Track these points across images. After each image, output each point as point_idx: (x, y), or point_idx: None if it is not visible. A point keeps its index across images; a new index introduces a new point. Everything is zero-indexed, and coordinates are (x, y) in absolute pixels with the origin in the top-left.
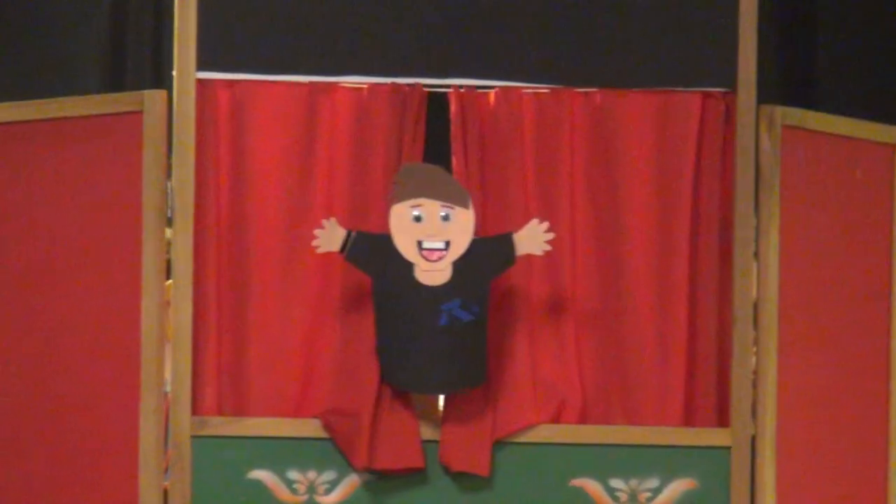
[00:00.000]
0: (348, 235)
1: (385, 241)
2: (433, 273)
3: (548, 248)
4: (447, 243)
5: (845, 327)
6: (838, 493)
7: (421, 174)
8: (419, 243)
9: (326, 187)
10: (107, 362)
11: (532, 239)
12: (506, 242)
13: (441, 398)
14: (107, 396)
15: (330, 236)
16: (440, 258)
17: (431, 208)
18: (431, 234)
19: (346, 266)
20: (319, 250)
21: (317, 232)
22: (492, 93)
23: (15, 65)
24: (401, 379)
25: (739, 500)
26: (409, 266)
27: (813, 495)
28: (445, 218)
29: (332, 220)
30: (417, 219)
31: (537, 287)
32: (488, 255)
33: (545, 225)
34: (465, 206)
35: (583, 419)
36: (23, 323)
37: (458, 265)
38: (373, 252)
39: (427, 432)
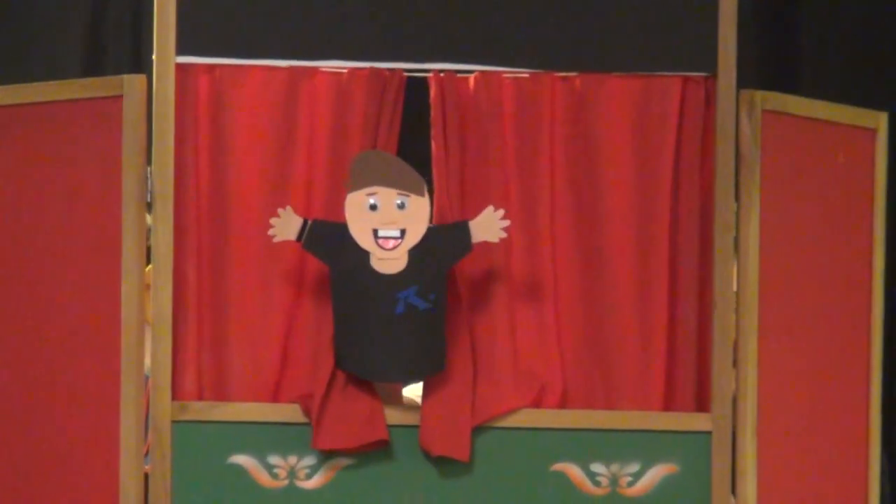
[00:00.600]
0: (304, 224)
1: (342, 229)
2: (389, 261)
3: (503, 234)
4: (402, 231)
5: (826, 311)
6: (819, 476)
7: (376, 162)
8: (375, 232)
9: (306, 172)
10: (87, 347)
11: (488, 226)
12: (462, 230)
13: (413, 385)
14: (87, 381)
15: (286, 225)
16: (395, 246)
17: (387, 196)
18: (387, 223)
19: None
20: (276, 239)
21: (272, 221)
22: (471, 77)
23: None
24: (356, 367)
25: (720, 485)
26: (365, 254)
27: (794, 479)
28: (401, 206)
29: (288, 208)
30: (373, 207)
31: (518, 271)
32: (444, 243)
33: (501, 212)
34: (421, 193)
35: (563, 404)
36: (2, 308)
37: (414, 253)
38: (329, 240)
39: (392, 416)
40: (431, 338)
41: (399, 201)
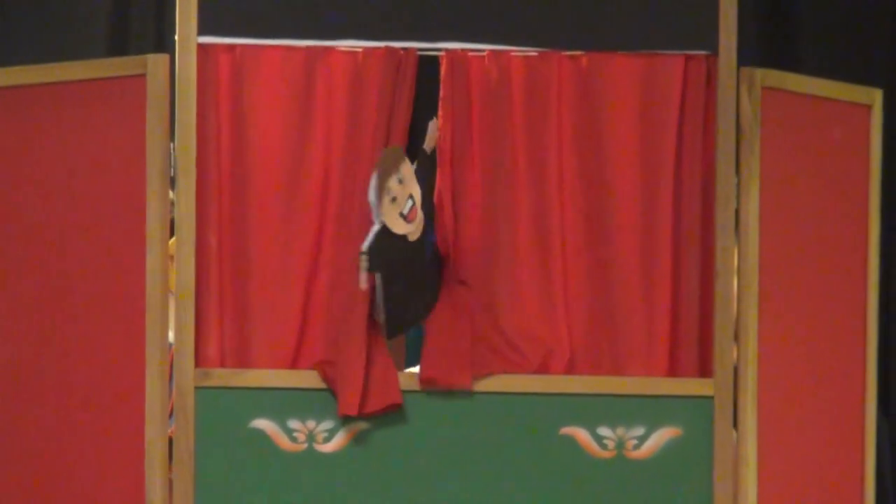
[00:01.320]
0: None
1: (386, 238)
2: (417, 228)
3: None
4: (411, 197)
5: (824, 280)
6: (818, 439)
7: (382, 170)
8: (401, 215)
9: (324, 147)
10: (114, 316)
11: (432, 136)
12: (427, 157)
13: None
14: (114, 348)
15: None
16: (416, 213)
17: (393, 185)
18: (402, 202)
19: (338, 220)
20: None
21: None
22: (482, 56)
23: (20, 29)
24: (406, 320)
25: (722, 448)
26: (403, 237)
27: (794, 442)
28: (400, 181)
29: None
30: (393, 200)
31: (525, 239)
32: (427, 178)
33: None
34: (403, 160)
35: (570, 370)
36: (34, 279)
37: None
38: (386, 254)
39: (403, 383)
40: (440, 263)
41: (397, 178)
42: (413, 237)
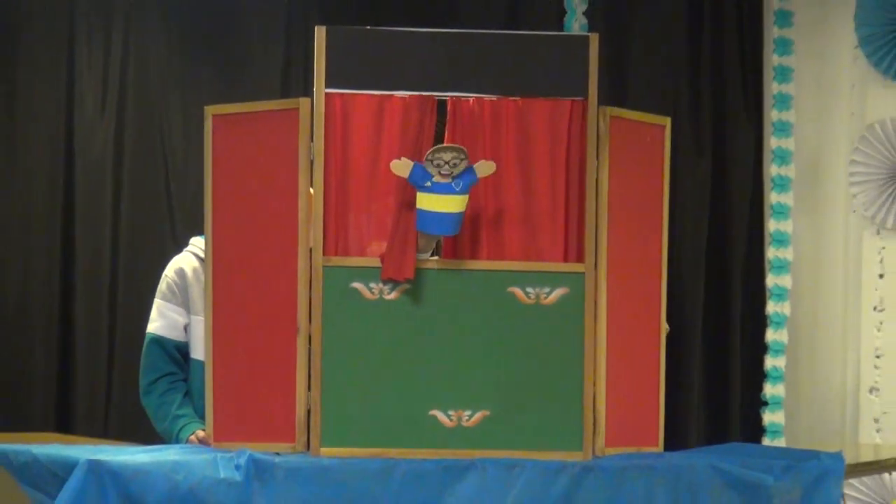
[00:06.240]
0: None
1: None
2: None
3: None
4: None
5: (641, 246)
6: (636, 308)
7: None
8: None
9: (385, 160)
10: (280, 272)
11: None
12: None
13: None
14: (281, 283)
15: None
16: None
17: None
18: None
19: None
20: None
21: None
22: (472, 99)
23: (229, 78)
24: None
25: (590, 300)
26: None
27: (626, 300)
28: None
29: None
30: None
31: (496, 210)
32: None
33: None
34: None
35: (515, 258)
36: (239, 254)
37: None
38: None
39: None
40: None
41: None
42: None
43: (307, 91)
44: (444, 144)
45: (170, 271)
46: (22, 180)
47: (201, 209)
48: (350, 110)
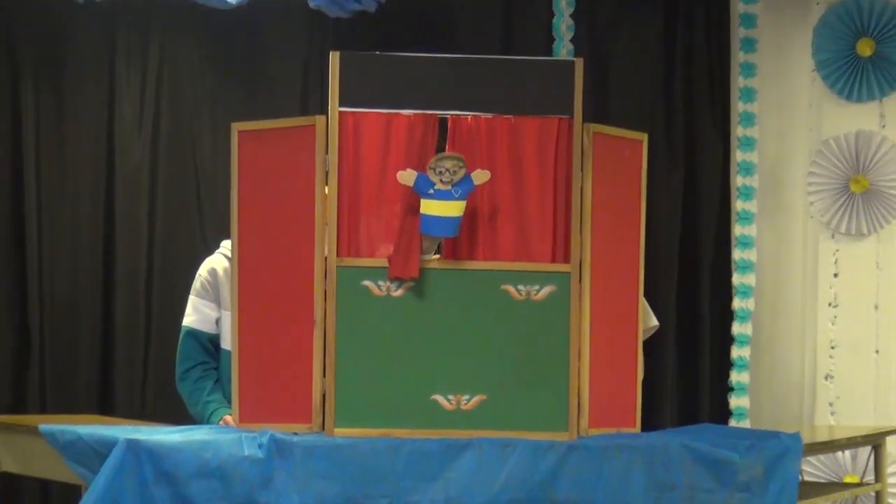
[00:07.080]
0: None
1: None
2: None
3: None
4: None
5: (620, 239)
6: (618, 305)
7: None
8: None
9: (393, 170)
10: (298, 264)
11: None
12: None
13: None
14: (299, 273)
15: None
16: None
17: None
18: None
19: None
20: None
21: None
22: (470, 117)
23: (254, 96)
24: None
25: (575, 297)
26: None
27: (608, 298)
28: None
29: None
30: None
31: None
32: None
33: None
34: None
35: (508, 258)
36: (264, 252)
37: None
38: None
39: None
40: None
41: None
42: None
43: (323, 109)
44: (446, 153)
45: (203, 271)
46: (71, 192)
47: (229, 215)
48: (361, 127)
